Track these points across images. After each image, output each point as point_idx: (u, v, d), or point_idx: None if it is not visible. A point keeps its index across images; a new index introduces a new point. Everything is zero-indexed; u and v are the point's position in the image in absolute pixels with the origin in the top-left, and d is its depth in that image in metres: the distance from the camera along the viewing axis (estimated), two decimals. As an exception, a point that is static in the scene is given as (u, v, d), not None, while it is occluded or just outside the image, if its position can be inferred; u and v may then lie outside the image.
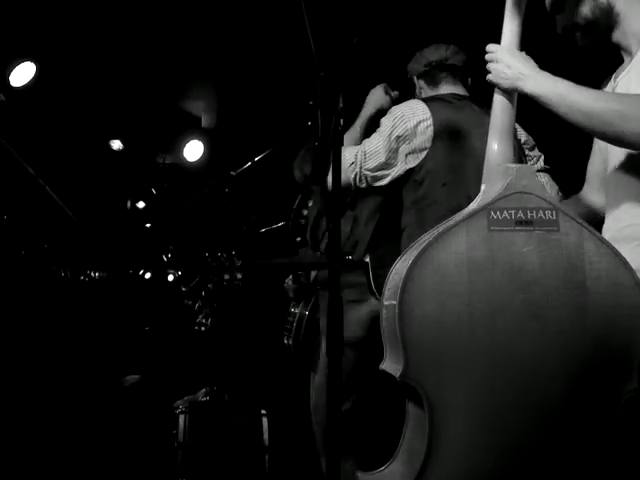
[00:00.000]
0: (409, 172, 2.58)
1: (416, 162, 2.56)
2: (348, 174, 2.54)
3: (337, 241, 1.61)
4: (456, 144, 2.56)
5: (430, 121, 2.56)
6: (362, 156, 2.56)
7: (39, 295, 5.04)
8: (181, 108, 6.36)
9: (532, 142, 2.80)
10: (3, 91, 4.86)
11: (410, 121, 2.55)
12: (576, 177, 2.10)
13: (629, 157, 1.77)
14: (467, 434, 1.50)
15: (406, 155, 2.56)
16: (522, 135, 2.77)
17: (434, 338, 1.50)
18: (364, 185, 2.59)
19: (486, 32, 1.82)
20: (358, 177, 2.56)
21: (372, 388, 3.11)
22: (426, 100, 2.66)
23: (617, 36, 1.87)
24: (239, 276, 3.32)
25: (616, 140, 1.68)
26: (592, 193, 2.04)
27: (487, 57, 1.78)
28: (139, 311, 6.32)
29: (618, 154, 1.80)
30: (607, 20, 1.84)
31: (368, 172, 2.56)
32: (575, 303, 1.51)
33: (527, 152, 2.76)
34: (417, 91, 2.88)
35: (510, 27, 1.75)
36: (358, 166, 2.55)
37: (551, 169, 2.79)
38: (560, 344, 1.51)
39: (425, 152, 2.56)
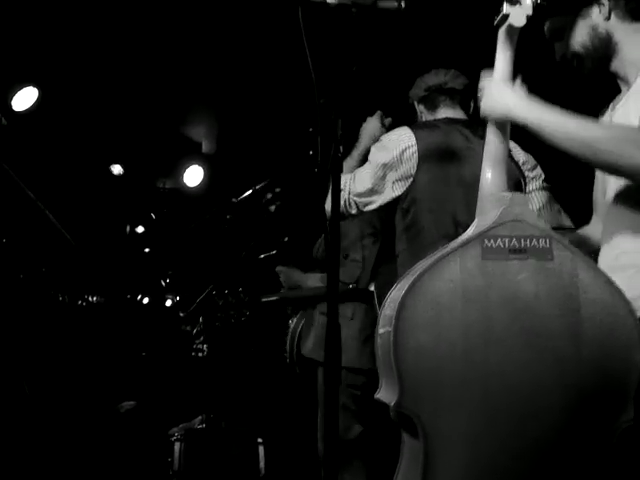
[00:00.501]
0: (397, 199, 2.62)
1: (403, 189, 2.61)
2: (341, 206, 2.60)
3: (336, 270, 1.62)
4: (442, 170, 2.60)
5: (415, 148, 2.59)
6: (351, 182, 2.61)
7: (36, 319, 5.02)
8: (182, 133, 6.40)
9: (532, 162, 2.80)
10: (5, 115, 4.89)
11: (396, 149, 2.60)
12: (578, 195, 2.09)
13: (625, 186, 1.77)
14: (462, 465, 1.49)
15: (393, 182, 2.61)
16: (521, 156, 2.78)
17: (429, 367, 1.49)
18: (354, 211, 2.65)
19: (484, 59, 1.83)
20: (347, 203, 2.62)
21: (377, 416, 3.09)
22: (414, 127, 2.70)
23: (615, 65, 1.88)
24: (247, 313, 3.32)
25: (609, 169, 1.69)
26: (599, 222, 2.03)
27: (480, 87, 1.80)
28: (136, 336, 6.29)
29: (615, 183, 1.80)
30: (605, 49, 1.86)
31: (356, 197, 2.62)
32: (570, 332, 1.50)
33: (527, 173, 2.76)
34: (418, 116, 2.91)
35: (502, 57, 1.77)
36: (346, 192, 2.60)
37: (552, 188, 2.80)
38: (556, 373, 1.50)
39: (411, 179, 2.59)
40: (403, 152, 2.59)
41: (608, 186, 1.86)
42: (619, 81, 1.92)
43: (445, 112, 2.82)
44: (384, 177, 2.60)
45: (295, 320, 3.60)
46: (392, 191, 2.61)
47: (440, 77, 2.86)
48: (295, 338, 3.53)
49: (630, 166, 1.60)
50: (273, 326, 4.54)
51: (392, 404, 1.49)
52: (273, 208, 3.97)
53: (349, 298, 3.06)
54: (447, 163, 2.60)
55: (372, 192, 2.61)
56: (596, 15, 1.86)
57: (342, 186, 2.57)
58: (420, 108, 2.89)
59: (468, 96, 2.84)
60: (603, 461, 1.51)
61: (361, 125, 2.95)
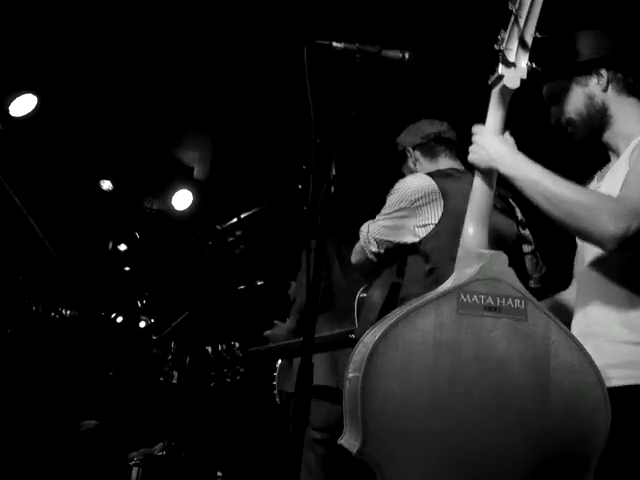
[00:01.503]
0: (416, 243, 2.62)
1: (424, 234, 2.60)
2: (362, 247, 2.67)
3: (314, 313, 1.62)
4: (461, 219, 2.57)
5: (438, 195, 2.60)
6: (371, 223, 2.66)
7: (5, 327, 4.95)
8: (175, 156, 6.41)
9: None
10: (2, 120, 4.89)
11: (417, 193, 2.61)
12: (563, 260, 2.09)
13: (601, 256, 1.79)
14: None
15: (414, 227, 2.61)
16: (519, 213, 2.80)
17: (394, 416, 1.47)
18: (374, 248, 2.66)
19: (478, 115, 1.86)
20: (367, 241, 2.65)
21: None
22: (432, 175, 2.70)
23: (607, 137, 1.92)
24: (241, 370, 3.30)
25: (583, 235, 1.70)
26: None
27: (472, 139, 1.82)
28: (106, 355, 6.21)
29: (591, 251, 1.82)
30: (600, 120, 1.90)
31: (376, 236, 2.65)
32: (538, 394, 1.50)
33: (521, 231, 2.78)
34: (411, 163, 2.91)
35: (493, 116, 1.78)
36: (365, 231, 2.66)
37: (540, 249, 2.81)
38: (520, 434, 1.49)
39: (432, 226, 2.59)
40: (426, 197, 2.61)
41: (585, 254, 1.88)
42: (610, 152, 1.95)
43: (447, 162, 2.84)
44: (405, 219, 2.62)
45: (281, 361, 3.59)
46: (413, 236, 2.62)
47: (437, 126, 2.89)
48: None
49: (602, 235, 1.61)
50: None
51: (354, 451, 1.47)
52: (238, 251, 3.98)
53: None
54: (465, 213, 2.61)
55: (393, 234, 2.64)
56: (594, 85, 1.89)
57: (362, 228, 2.66)
58: (416, 155, 2.89)
59: (460, 149, 2.87)
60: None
61: (354, 168, 2.97)
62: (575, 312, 1.88)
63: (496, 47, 1.72)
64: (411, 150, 2.90)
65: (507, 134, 1.79)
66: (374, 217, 2.71)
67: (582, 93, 1.90)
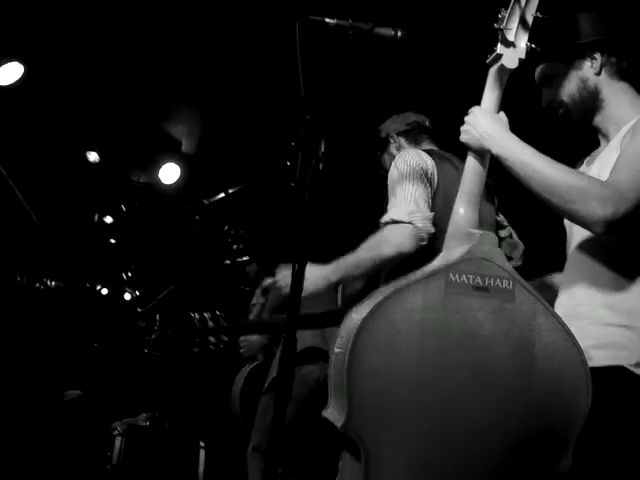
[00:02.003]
0: None
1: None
2: (411, 234, 2.36)
3: (299, 289, 1.63)
4: (448, 195, 2.52)
5: (435, 169, 2.54)
6: (412, 207, 2.40)
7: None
8: (164, 129, 6.37)
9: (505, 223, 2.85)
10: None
11: (420, 163, 2.51)
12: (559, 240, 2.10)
13: (588, 238, 1.81)
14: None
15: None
16: (496, 200, 2.82)
17: (380, 393, 1.49)
18: (432, 228, 2.41)
19: (473, 96, 1.86)
20: (424, 226, 2.39)
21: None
22: (427, 151, 2.64)
23: (598, 120, 1.92)
24: (225, 339, 3.30)
25: (571, 217, 1.72)
26: None
27: (465, 118, 1.81)
28: (90, 326, 6.22)
29: (579, 234, 1.84)
30: (592, 103, 1.90)
31: (428, 213, 2.43)
32: (521, 374, 1.52)
33: (496, 217, 2.79)
34: (394, 148, 2.89)
35: (490, 96, 1.77)
36: (406, 216, 2.38)
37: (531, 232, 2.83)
38: (502, 413, 1.51)
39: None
40: (431, 169, 2.53)
41: (573, 237, 1.90)
42: (600, 136, 1.96)
43: (430, 147, 2.84)
44: (426, 189, 2.49)
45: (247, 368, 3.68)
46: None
47: (421, 117, 2.91)
48: (237, 390, 3.59)
49: (590, 218, 1.63)
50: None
51: (339, 425, 1.49)
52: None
53: None
54: (451, 191, 2.53)
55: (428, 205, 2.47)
56: (587, 68, 1.90)
57: (395, 217, 2.39)
58: (400, 141, 2.88)
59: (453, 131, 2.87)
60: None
61: (344, 147, 2.97)
62: (560, 293, 1.90)
63: (496, 26, 1.71)
64: (395, 136, 2.90)
65: (502, 113, 1.80)
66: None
67: (575, 76, 1.90)
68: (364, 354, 1.49)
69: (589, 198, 1.62)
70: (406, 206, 2.41)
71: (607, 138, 1.91)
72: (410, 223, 2.36)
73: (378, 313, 1.51)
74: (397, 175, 2.51)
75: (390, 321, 1.51)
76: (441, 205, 2.46)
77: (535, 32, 1.74)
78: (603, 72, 1.89)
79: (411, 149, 2.68)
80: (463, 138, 1.78)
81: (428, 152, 2.64)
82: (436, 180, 2.53)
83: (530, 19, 1.73)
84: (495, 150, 1.72)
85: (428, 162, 2.54)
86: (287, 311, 1.65)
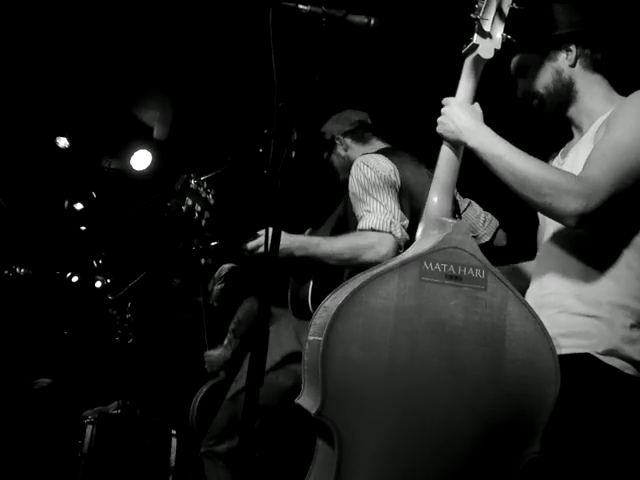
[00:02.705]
0: None
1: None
2: (394, 245, 2.43)
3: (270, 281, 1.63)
4: (413, 194, 2.58)
5: (397, 172, 2.58)
6: (391, 216, 2.49)
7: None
8: (135, 115, 6.30)
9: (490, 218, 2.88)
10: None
11: (385, 170, 2.56)
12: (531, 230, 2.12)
13: (559, 230, 1.83)
14: (375, 479, 1.51)
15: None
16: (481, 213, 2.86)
17: (353, 380, 1.50)
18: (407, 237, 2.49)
19: (447, 85, 1.86)
20: (393, 225, 2.47)
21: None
22: (383, 153, 2.67)
23: (572, 112, 1.94)
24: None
25: (544, 211, 1.74)
26: None
27: (441, 110, 1.82)
28: (60, 314, 6.16)
29: (552, 224, 1.86)
30: (566, 95, 1.92)
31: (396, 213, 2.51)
32: (492, 362, 1.54)
33: (457, 196, 2.81)
34: (341, 150, 2.88)
35: (465, 86, 1.79)
36: (377, 224, 2.46)
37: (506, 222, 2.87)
38: (472, 401, 1.53)
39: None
40: (392, 172, 2.57)
41: (546, 228, 1.92)
42: (573, 128, 1.98)
43: (380, 144, 2.84)
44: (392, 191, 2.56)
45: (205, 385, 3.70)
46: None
47: (361, 115, 2.92)
48: (195, 403, 3.61)
49: (563, 212, 1.65)
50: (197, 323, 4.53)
51: (313, 411, 1.50)
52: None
53: None
54: (417, 190, 2.55)
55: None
56: (562, 60, 1.91)
57: (365, 226, 2.47)
58: (347, 142, 2.87)
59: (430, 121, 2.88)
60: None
61: (316, 134, 2.96)
62: (531, 283, 1.93)
63: (472, 16, 1.73)
64: (341, 137, 2.89)
65: (477, 105, 1.81)
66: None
67: (550, 67, 1.92)
68: (339, 343, 1.50)
69: (562, 192, 1.64)
70: (383, 216, 2.47)
71: (581, 130, 1.93)
72: (390, 233, 2.43)
73: (352, 301, 1.52)
74: (365, 183, 2.54)
75: (364, 309, 1.52)
76: (408, 205, 2.54)
77: (511, 23, 1.75)
78: (578, 64, 1.91)
79: (371, 155, 2.66)
80: (439, 130, 1.79)
81: (384, 153, 2.66)
82: (399, 182, 2.57)
83: (506, 10, 1.74)
84: (471, 143, 1.74)
85: (389, 166, 2.57)
86: (259, 301, 1.64)
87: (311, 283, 2.66)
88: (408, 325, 1.53)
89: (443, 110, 1.80)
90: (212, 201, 2.61)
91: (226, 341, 4.06)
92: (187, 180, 2.62)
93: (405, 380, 1.51)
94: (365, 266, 2.35)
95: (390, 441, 1.51)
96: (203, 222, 2.58)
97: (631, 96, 1.80)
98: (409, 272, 1.56)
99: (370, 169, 2.56)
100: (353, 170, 2.62)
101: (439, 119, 1.79)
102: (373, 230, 2.45)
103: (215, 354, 4.03)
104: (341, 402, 1.50)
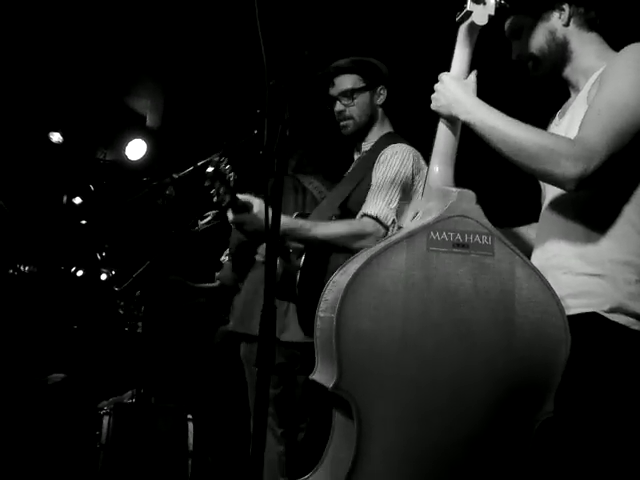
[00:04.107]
0: None
1: None
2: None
3: (274, 255, 1.63)
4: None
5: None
6: (394, 215, 2.60)
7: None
8: (126, 104, 6.27)
9: None
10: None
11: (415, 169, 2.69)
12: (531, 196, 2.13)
13: (560, 195, 1.83)
14: (394, 448, 1.53)
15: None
16: None
17: (368, 352, 1.52)
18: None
19: (443, 52, 1.86)
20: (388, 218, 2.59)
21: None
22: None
23: (567, 72, 1.94)
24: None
25: (543, 177, 1.75)
26: None
27: (435, 87, 1.83)
28: (68, 309, 6.18)
29: (552, 191, 1.86)
30: (561, 55, 1.91)
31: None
32: (503, 327, 1.56)
33: None
34: (380, 99, 2.84)
35: (460, 54, 1.80)
36: (395, 225, 2.59)
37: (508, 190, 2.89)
38: (486, 365, 1.55)
39: None
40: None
41: (546, 194, 1.92)
42: (570, 88, 1.97)
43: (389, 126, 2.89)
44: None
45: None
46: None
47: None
48: None
49: (562, 177, 1.65)
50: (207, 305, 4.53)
51: (330, 386, 1.52)
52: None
53: None
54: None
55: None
56: (556, 20, 1.90)
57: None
58: (383, 96, 2.86)
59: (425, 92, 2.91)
60: (524, 448, 1.57)
61: (309, 111, 2.93)
62: (535, 247, 1.93)
63: None
64: (384, 90, 2.84)
65: (472, 76, 1.80)
66: None
67: (543, 27, 1.91)
68: (351, 317, 1.51)
69: (559, 157, 1.64)
70: (389, 211, 2.56)
71: (577, 89, 1.93)
72: (387, 229, 2.54)
73: (362, 275, 1.53)
74: (394, 173, 2.63)
75: (375, 282, 1.53)
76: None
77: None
78: (571, 23, 1.89)
79: (412, 149, 2.72)
80: (433, 106, 1.80)
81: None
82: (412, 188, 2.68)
83: None
84: (463, 117, 1.75)
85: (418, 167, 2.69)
86: (265, 281, 1.64)
87: (302, 260, 2.66)
88: (418, 295, 1.54)
89: (436, 87, 1.80)
90: (233, 184, 2.62)
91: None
92: (218, 163, 2.61)
93: (418, 349, 1.53)
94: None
95: (407, 409, 1.53)
96: (223, 204, 2.59)
97: (621, 52, 1.79)
98: (416, 243, 1.57)
99: (404, 164, 2.65)
100: (392, 156, 2.67)
101: (432, 96, 1.80)
102: (376, 219, 2.55)
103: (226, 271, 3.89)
104: (357, 374, 1.52)
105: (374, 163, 2.70)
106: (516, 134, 1.68)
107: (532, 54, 1.94)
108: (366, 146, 2.84)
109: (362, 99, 2.80)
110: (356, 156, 2.93)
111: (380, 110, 2.84)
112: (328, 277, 1.68)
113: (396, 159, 2.66)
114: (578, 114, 1.80)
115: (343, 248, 2.50)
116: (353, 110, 2.80)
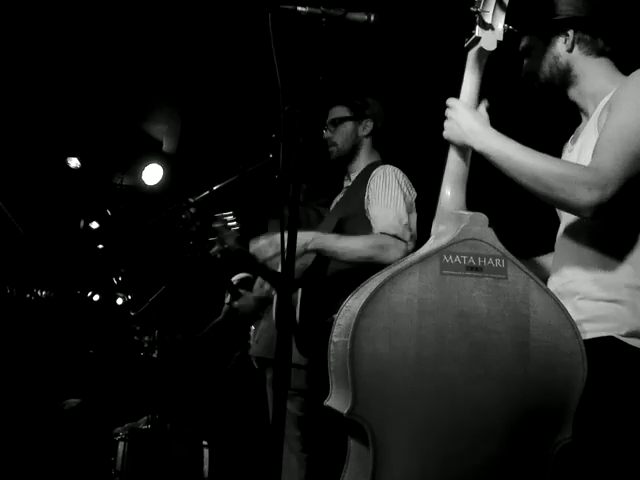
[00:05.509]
0: None
1: None
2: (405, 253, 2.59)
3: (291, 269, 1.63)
4: None
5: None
6: (408, 231, 2.68)
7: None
8: (143, 130, 6.33)
9: None
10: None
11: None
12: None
13: (575, 221, 1.83)
14: (411, 474, 1.51)
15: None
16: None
17: (383, 377, 1.50)
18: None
19: (450, 78, 1.86)
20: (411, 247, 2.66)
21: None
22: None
23: (574, 96, 1.93)
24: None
25: (560, 206, 1.73)
26: None
27: (446, 113, 1.82)
28: (84, 333, 6.20)
29: (566, 217, 1.86)
30: (563, 79, 1.91)
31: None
32: (518, 351, 1.54)
33: None
34: (365, 130, 2.93)
35: (470, 79, 1.79)
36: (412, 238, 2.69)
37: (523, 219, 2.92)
38: (502, 390, 1.53)
39: None
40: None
41: (562, 219, 1.91)
42: (580, 112, 1.97)
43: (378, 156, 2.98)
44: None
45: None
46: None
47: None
48: None
49: (578, 205, 1.64)
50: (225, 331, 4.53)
51: (345, 412, 1.51)
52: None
53: None
54: None
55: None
56: (560, 45, 1.90)
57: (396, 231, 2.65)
58: (369, 128, 2.96)
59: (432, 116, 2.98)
60: (542, 476, 1.55)
61: (322, 135, 2.97)
62: (551, 274, 1.92)
63: (472, 9, 1.73)
64: (371, 123, 2.94)
65: (482, 107, 1.80)
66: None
67: (549, 52, 1.91)
68: (365, 341, 1.50)
69: (575, 185, 1.63)
70: (402, 227, 2.65)
71: (586, 114, 1.93)
72: (406, 243, 2.63)
73: (376, 299, 1.52)
74: (396, 186, 2.73)
75: (388, 306, 1.52)
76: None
77: (512, 9, 1.74)
78: (576, 49, 1.89)
79: (399, 170, 2.82)
80: (446, 134, 1.79)
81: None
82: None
83: (506, 0, 1.73)
84: (478, 147, 1.74)
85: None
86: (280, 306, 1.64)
87: (299, 292, 2.69)
88: (432, 319, 1.53)
89: (448, 114, 1.79)
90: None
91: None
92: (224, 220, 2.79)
93: (432, 374, 1.51)
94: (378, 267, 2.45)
95: (423, 434, 1.51)
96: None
97: (631, 76, 1.78)
98: (430, 266, 1.56)
99: (399, 179, 2.75)
100: (382, 172, 2.77)
101: (445, 124, 1.79)
102: (394, 236, 2.63)
103: (244, 300, 3.93)
104: (372, 399, 1.50)
105: (362, 189, 2.80)
106: (531, 163, 1.67)
107: (536, 75, 1.94)
108: (353, 175, 2.97)
109: (346, 128, 2.93)
110: (346, 183, 3.03)
111: (366, 141, 2.94)
112: (328, 302, 1.69)
113: (390, 175, 2.77)
114: (588, 140, 1.80)
115: (365, 264, 2.56)
116: (337, 138, 2.93)
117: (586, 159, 1.73)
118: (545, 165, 1.67)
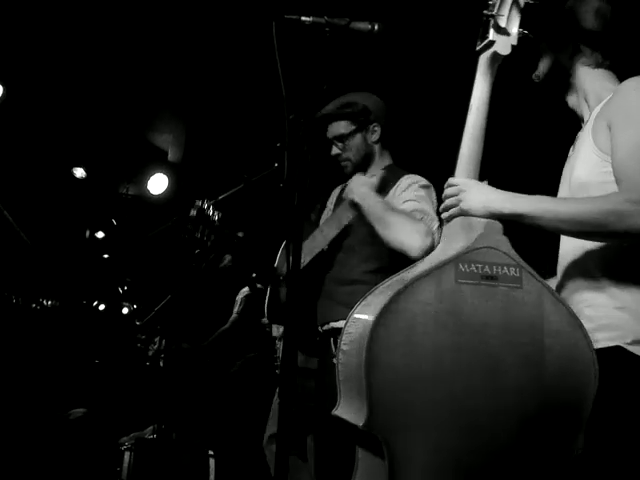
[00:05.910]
0: None
1: None
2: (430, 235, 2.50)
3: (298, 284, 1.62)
4: None
5: None
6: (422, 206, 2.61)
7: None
8: (148, 140, 6.35)
9: None
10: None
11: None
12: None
13: (577, 243, 1.81)
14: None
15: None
16: None
17: (398, 387, 1.49)
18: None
19: (456, 84, 1.86)
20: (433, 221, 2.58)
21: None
22: None
23: (573, 103, 1.96)
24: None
25: (612, 238, 1.70)
26: None
27: (448, 192, 1.76)
28: (90, 343, 6.20)
29: (567, 238, 1.85)
30: (563, 86, 1.95)
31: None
32: (533, 360, 1.54)
33: None
34: (375, 136, 2.83)
35: (482, 84, 1.78)
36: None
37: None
38: (517, 400, 1.52)
39: None
40: None
41: (563, 240, 1.91)
42: (580, 119, 1.97)
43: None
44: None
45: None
46: None
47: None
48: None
49: (612, 235, 1.64)
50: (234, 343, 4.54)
51: (360, 424, 1.49)
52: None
53: None
54: None
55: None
56: (564, 55, 1.93)
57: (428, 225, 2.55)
58: (378, 132, 2.86)
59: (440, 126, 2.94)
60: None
61: (327, 144, 2.95)
62: (557, 282, 1.91)
63: (486, 12, 1.73)
64: (380, 127, 2.84)
65: (485, 184, 1.77)
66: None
67: (552, 59, 1.94)
68: (381, 351, 1.49)
69: (610, 218, 1.61)
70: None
71: (583, 120, 1.94)
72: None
73: (392, 308, 1.51)
74: (426, 191, 2.65)
75: (405, 315, 1.51)
76: None
77: (525, 17, 1.75)
78: (576, 60, 1.91)
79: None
80: (465, 207, 1.72)
81: None
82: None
83: (522, 4, 1.74)
84: (508, 212, 1.68)
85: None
86: (287, 293, 1.64)
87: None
88: (448, 328, 1.52)
89: (452, 191, 1.74)
90: (218, 224, 2.69)
91: None
92: (201, 207, 2.68)
93: (450, 382, 1.51)
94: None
95: (439, 444, 1.50)
96: (209, 244, 2.65)
97: (624, 87, 1.78)
98: (445, 275, 1.55)
99: (424, 185, 2.69)
100: (413, 180, 2.69)
101: (460, 198, 1.72)
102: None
103: None
104: (388, 411, 1.49)
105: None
106: (567, 210, 1.66)
107: (539, 79, 1.96)
108: None
109: (355, 141, 2.82)
110: None
111: (376, 146, 2.85)
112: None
113: (417, 183, 2.68)
114: (582, 146, 1.82)
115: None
116: (348, 153, 2.82)
117: (579, 165, 1.76)
118: (582, 208, 1.65)
